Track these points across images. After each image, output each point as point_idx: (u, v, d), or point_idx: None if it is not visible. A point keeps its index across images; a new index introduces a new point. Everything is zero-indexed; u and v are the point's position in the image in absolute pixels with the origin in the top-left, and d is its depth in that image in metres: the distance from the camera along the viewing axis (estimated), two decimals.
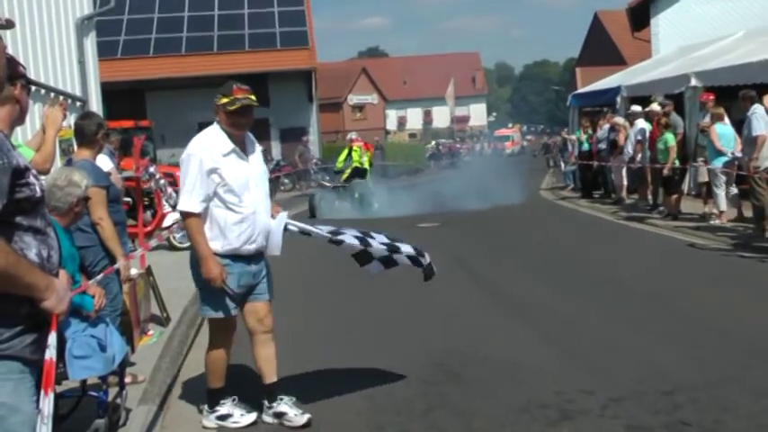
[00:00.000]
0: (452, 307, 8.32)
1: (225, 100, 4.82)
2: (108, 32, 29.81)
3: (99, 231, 5.48)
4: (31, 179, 2.67)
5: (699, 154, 14.35)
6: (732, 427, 4.69)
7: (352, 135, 22.03)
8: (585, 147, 20.36)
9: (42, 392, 2.63)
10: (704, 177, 14.02)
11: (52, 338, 2.69)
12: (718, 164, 13.18)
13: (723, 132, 13.17)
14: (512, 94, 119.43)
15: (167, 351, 6.78)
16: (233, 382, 5.32)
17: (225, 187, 4.78)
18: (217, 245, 4.83)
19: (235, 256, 4.86)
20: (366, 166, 20.21)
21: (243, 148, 4.90)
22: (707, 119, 13.76)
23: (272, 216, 4.99)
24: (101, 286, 4.79)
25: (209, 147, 4.82)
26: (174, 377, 6.28)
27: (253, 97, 4.87)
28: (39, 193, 2.70)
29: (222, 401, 5.14)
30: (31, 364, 2.66)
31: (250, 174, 4.88)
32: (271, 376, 5.15)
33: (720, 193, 13.34)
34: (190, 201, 4.81)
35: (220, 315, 4.95)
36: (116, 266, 5.49)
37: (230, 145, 4.83)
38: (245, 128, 4.90)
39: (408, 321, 7.33)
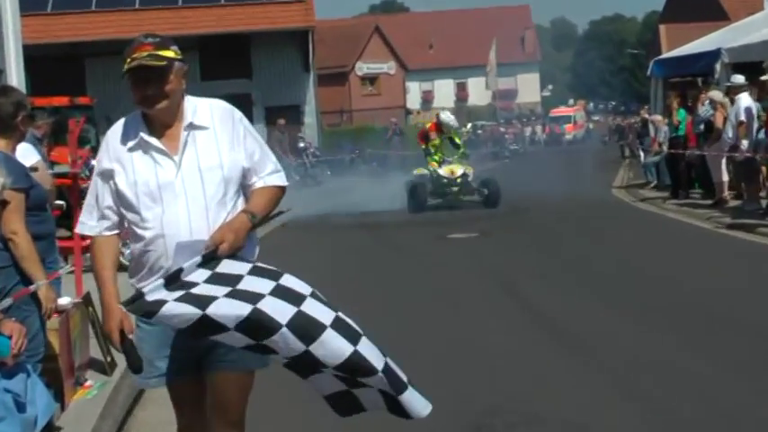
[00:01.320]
0: (497, 347, 8.26)
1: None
2: None
3: (12, 249, 5.41)
4: None
5: None
6: None
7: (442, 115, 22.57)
8: (674, 131, 20.18)
9: None
10: None
11: None
12: None
13: None
14: (573, 61, 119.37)
15: (111, 409, 6.74)
16: None
17: (122, 199, 4.21)
18: (134, 281, 4.33)
19: None
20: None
21: (164, 137, 4.20)
22: None
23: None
24: (18, 321, 4.73)
25: (113, 140, 4.28)
26: None
27: (162, 54, 4.13)
28: None
29: None
30: None
31: (167, 176, 4.15)
32: None
33: None
34: (82, 217, 4.38)
35: (140, 383, 4.68)
36: (32, 288, 5.42)
37: (138, 135, 4.20)
38: (147, 104, 4.16)
39: (442, 366, 7.28)
